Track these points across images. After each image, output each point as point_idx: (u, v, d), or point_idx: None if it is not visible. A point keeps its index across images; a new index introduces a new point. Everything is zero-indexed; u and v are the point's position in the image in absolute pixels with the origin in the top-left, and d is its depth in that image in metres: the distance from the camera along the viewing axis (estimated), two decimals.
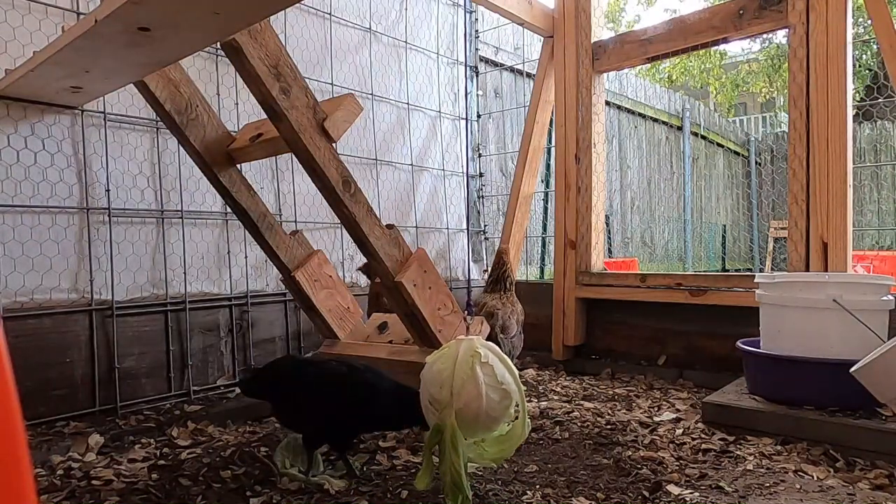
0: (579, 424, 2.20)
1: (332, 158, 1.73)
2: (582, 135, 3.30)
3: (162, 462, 1.79)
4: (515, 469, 1.77)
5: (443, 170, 3.60)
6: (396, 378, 1.76)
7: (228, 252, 2.54)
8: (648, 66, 10.75)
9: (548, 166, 4.18)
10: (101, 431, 1.96)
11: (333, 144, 1.74)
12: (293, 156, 1.81)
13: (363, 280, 3.07)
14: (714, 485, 1.64)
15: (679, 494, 1.57)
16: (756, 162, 10.17)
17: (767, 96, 13.71)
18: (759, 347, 2.29)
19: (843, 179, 2.48)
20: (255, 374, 1.90)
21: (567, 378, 3.04)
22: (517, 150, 3.68)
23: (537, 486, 1.64)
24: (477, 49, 3.88)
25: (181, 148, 2.17)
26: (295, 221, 2.74)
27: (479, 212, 3.93)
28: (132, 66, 1.69)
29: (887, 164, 8.36)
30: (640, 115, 7.32)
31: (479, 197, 3.93)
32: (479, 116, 3.92)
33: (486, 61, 4.05)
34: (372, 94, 3.14)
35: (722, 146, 9.65)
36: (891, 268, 5.17)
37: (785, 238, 5.19)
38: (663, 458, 1.83)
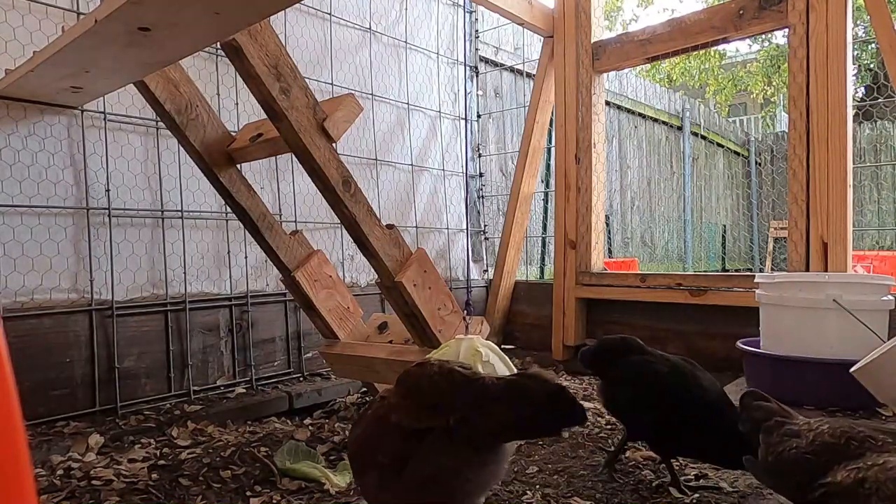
0: None
1: (332, 158, 1.73)
2: (582, 135, 3.30)
3: (162, 462, 1.79)
4: (515, 469, 1.77)
5: (443, 170, 3.60)
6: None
7: (228, 252, 2.54)
8: (648, 66, 10.75)
9: (548, 166, 4.18)
10: (101, 431, 1.96)
11: (333, 144, 1.74)
12: (293, 156, 1.81)
13: (363, 280, 3.08)
14: (714, 485, 1.64)
15: (679, 494, 1.57)
16: (756, 162, 10.17)
17: (763, 96, 13.72)
18: (759, 347, 2.29)
19: (843, 179, 2.48)
20: (598, 346, 1.80)
21: (567, 378, 3.04)
22: (517, 150, 3.68)
23: (537, 486, 1.64)
24: (477, 49, 3.88)
25: (181, 148, 2.17)
26: (295, 221, 2.74)
27: (479, 212, 3.93)
28: (132, 66, 1.69)
29: (887, 164, 8.37)
30: (640, 115, 7.32)
31: (479, 197, 3.93)
32: (479, 116, 3.92)
33: (486, 61, 4.05)
34: (372, 94, 3.14)
35: (722, 146, 9.66)
36: (891, 268, 5.17)
37: (785, 238, 5.20)
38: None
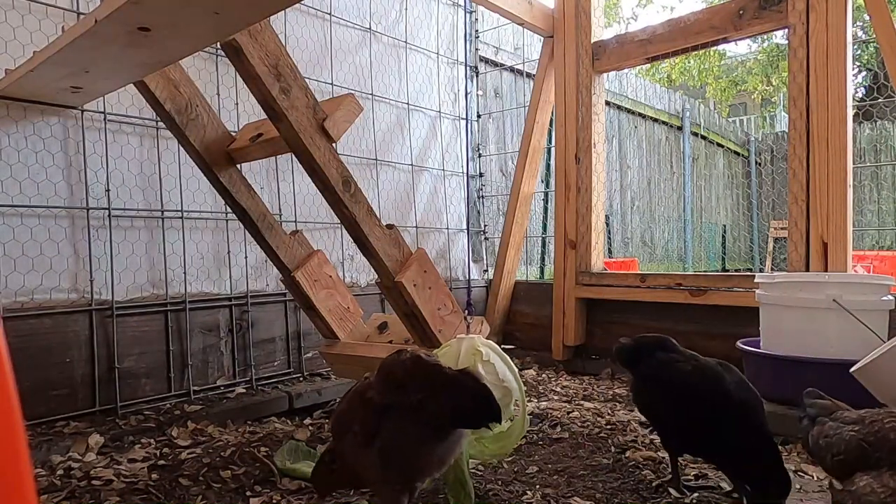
0: (579, 424, 2.20)
1: (332, 158, 1.73)
2: (582, 135, 3.30)
3: (162, 462, 1.79)
4: (516, 469, 1.77)
5: (443, 170, 3.60)
6: None
7: (228, 252, 2.54)
8: (648, 66, 10.75)
9: (548, 166, 4.18)
10: (101, 431, 1.96)
11: (333, 144, 1.74)
12: (293, 156, 1.81)
13: (363, 280, 3.08)
14: (714, 485, 1.64)
15: (678, 494, 1.57)
16: (756, 162, 10.17)
17: (763, 95, 13.73)
18: (759, 347, 2.29)
19: (843, 179, 2.48)
20: (633, 343, 1.77)
21: (567, 378, 3.04)
22: (517, 150, 3.68)
23: (537, 486, 1.64)
24: (477, 49, 3.88)
25: (181, 148, 2.17)
26: (295, 221, 2.74)
27: (479, 212, 3.93)
28: (132, 66, 1.69)
29: (887, 164, 8.37)
30: (640, 115, 7.32)
31: (479, 197, 3.93)
32: (479, 116, 3.92)
33: (486, 61, 4.05)
34: (372, 94, 3.14)
35: (722, 146, 9.66)
36: (891, 268, 5.17)
37: (785, 238, 5.19)
38: (663, 458, 1.83)
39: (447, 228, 3.62)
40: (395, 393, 1.23)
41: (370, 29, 3.14)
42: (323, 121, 1.70)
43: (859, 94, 10.22)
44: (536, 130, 3.58)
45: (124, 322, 2.21)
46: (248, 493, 1.60)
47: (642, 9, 14.00)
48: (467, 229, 3.75)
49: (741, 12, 2.76)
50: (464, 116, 3.77)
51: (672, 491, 1.59)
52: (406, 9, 3.35)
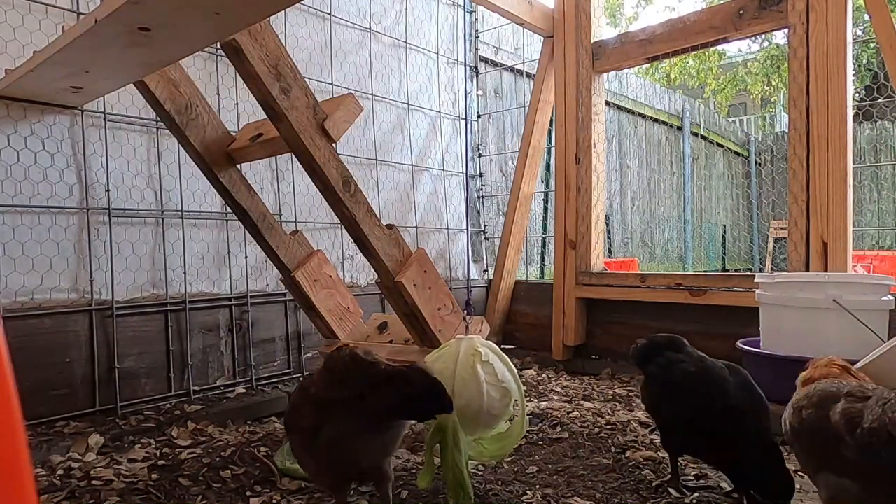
0: (579, 424, 2.20)
1: (332, 158, 1.73)
2: (582, 135, 3.30)
3: (162, 462, 1.80)
4: (516, 469, 1.77)
5: (443, 170, 3.60)
6: None
7: (228, 252, 2.54)
8: (648, 66, 10.75)
9: (548, 166, 4.18)
10: (101, 431, 1.96)
11: (333, 144, 1.74)
12: (293, 156, 1.81)
13: (363, 280, 3.08)
14: (714, 485, 1.64)
15: (678, 494, 1.57)
16: (756, 162, 10.17)
17: (763, 95, 13.73)
18: (759, 347, 2.29)
19: (843, 179, 2.48)
20: (645, 342, 1.77)
21: (567, 378, 3.04)
22: (517, 150, 3.68)
23: (537, 486, 1.64)
24: (477, 49, 3.88)
25: (181, 148, 2.17)
26: (295, 221, 2.74)
27: (479, 212, 3.93)
28: (132, 66, 1.69)
29: (887, 164, 8.37)
30: (640, 115, 7.32)
31: (479, 197, 3.93)
32: (479, 116, 3.92)
33: (486, 61, 4.05)
34: (372, 94, 3.14)
35: (722, 146, 9.66)
36: (891, 268, 5.17)
37: (785, 238, 5.19)
38: (663, 458, 1.83)
39: (447, 228, 3.62)
40: (337, 388, 1.27)
41: (370, 29, 3.14)
42: (323, 121, 1.70)
43: (859, 95, 10.22)
44: (536, 130, 3.58)
45: (124, 322, 2.21)
46: (248, 493, 1.60)
47: (642, 9, 14.01)
48: (467, 229, 3.75)
49: (741, 12, 2.76)
50: (464, 116, 3.77)
51: (672, 491, 1.59)
52: (406, 9, 3.35)
